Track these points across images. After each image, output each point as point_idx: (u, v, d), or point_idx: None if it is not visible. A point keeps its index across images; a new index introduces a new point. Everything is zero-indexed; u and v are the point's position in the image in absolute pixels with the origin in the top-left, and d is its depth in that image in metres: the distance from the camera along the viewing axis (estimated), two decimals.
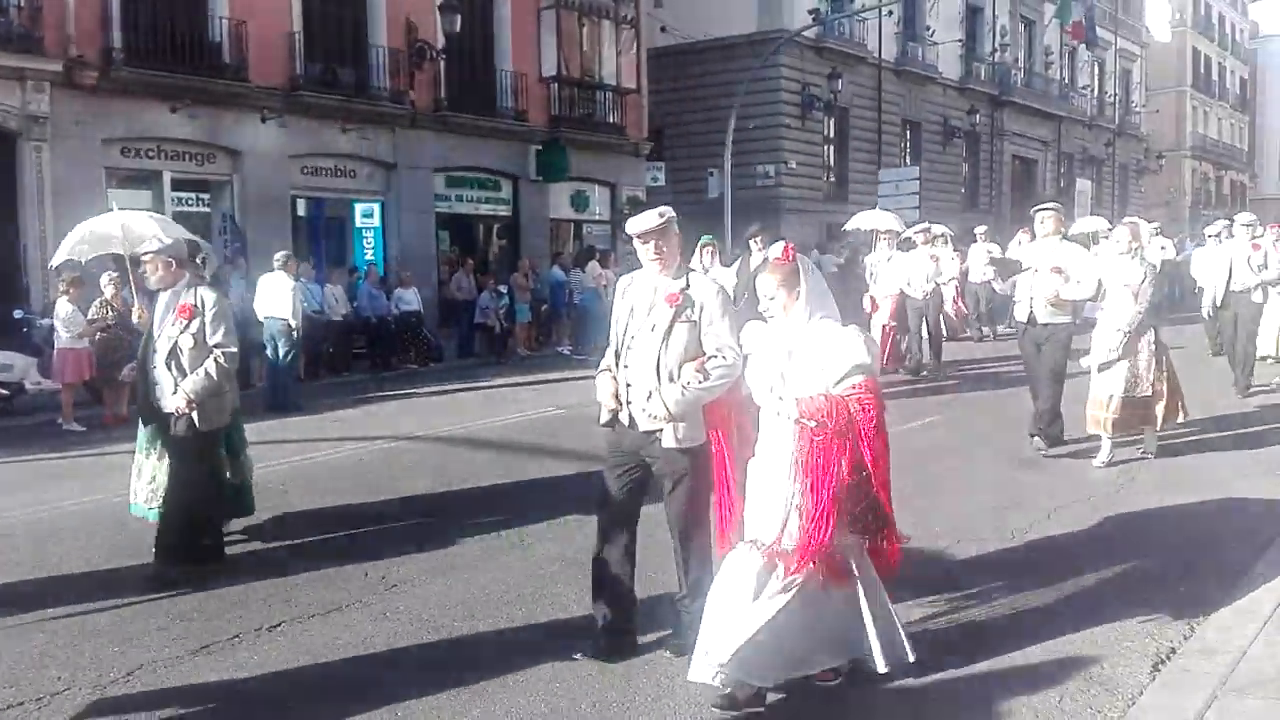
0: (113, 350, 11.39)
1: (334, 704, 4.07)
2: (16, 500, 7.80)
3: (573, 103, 23.06)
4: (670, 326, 4.15)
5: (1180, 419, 7.95)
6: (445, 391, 13.52)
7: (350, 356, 16.49)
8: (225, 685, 4.25)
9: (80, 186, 15.41)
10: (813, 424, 3.61)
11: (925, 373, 13.09)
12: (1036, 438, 8.19)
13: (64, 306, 11.35)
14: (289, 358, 12.68)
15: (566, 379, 13.75)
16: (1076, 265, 7.85)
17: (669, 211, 4.20)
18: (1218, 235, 14.15)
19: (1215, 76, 60.77)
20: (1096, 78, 45.87)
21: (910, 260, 13.57)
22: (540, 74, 22.29)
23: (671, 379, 4.11)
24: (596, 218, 24.80)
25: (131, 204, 16.70)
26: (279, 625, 4.91)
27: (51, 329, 11.84)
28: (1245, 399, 10.57)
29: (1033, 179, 41.18)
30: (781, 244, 3.90)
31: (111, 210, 9.73)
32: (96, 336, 11.47)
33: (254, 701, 4.13)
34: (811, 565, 3.68)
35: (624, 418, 4.25)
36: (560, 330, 19.47)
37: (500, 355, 17.45)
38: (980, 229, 17.97)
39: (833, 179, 30.73)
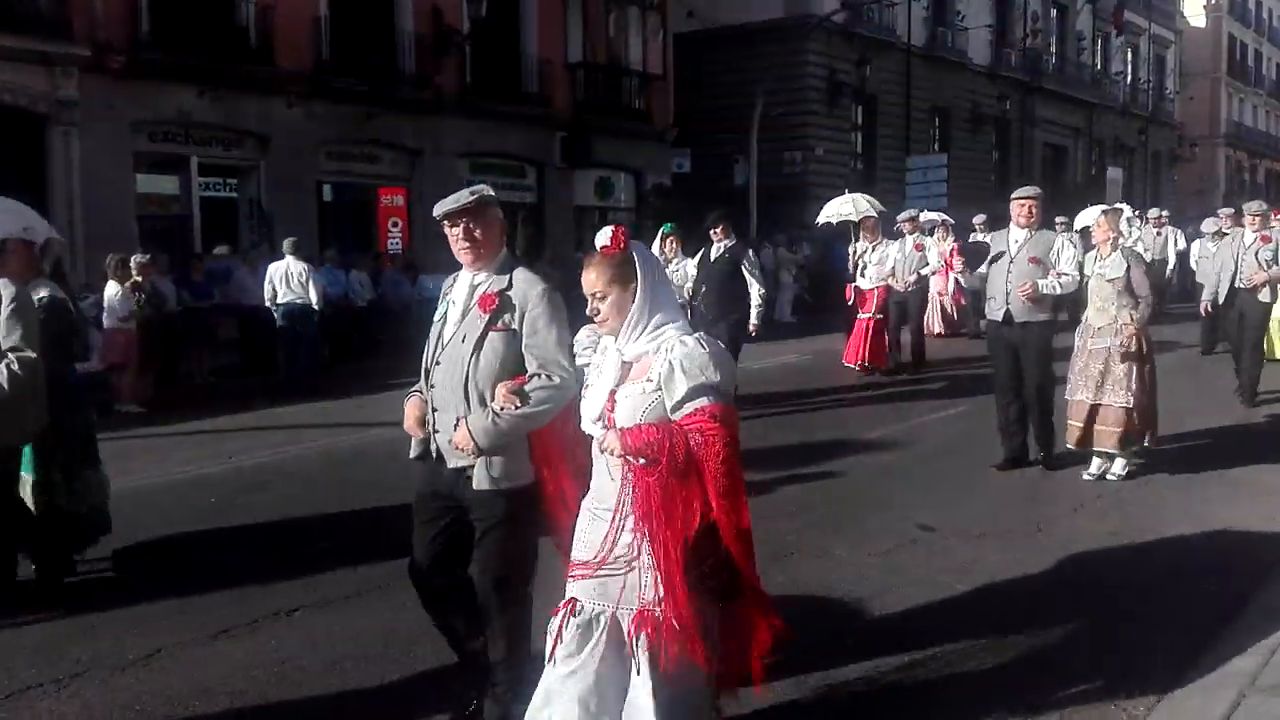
0: (148, 333, 11.51)
1: (352, 690, 4.07)
2: None
3: (598, 89, 23.00)
4: (483, 336, 3.37)
5: (1147, 443, 6.95)
6: None
7: (375, 342, 16.52)
8: (244, 669, 4.25)
9: (108, 171, 15.56)
10: (642, 461, 2.85)
11: (904, 374, 12.30)
12: (1002, 465, 7.27)
13: (113, 289, 11.34)
14: (310, 340, 12.89)
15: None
16: (1058, 257, 7.04)
17: (484, 189, 3.47)
18: (1216, 232, 12.61)
19: (1251, 63, 59.76)
20: (1130, 64, 45.25)
21: (894, 250, 12.67)
22: (566, 60, 22.24)
23: (483, 402, 3.34)
24: (622, 205, 24.76)
25: (159, 189, 16.98)
26: (297, 610, 4.91)
27: (98, 311, 11.85)
28: (1253, 408, 9.62)
29: (1064, 167, 40.70)
30: (610, 230, 3.03)
31: None
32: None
33: (272, 685, 4.13)
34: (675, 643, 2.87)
35: (435, 451, 3.49)
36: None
37: None
38: (979, 218, 16.58)
39: (861, 166, 30.49)
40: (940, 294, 15.65)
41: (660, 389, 2.88)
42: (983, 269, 7.44)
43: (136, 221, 16.14)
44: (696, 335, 2.93)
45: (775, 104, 25.69)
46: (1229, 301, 10.10)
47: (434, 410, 3.47)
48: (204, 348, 13.81)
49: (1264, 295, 9.78)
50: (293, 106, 17.72)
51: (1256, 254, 9.75)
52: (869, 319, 12.34)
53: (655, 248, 9.86)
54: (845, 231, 15.57)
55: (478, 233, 3.41)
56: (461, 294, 3.50)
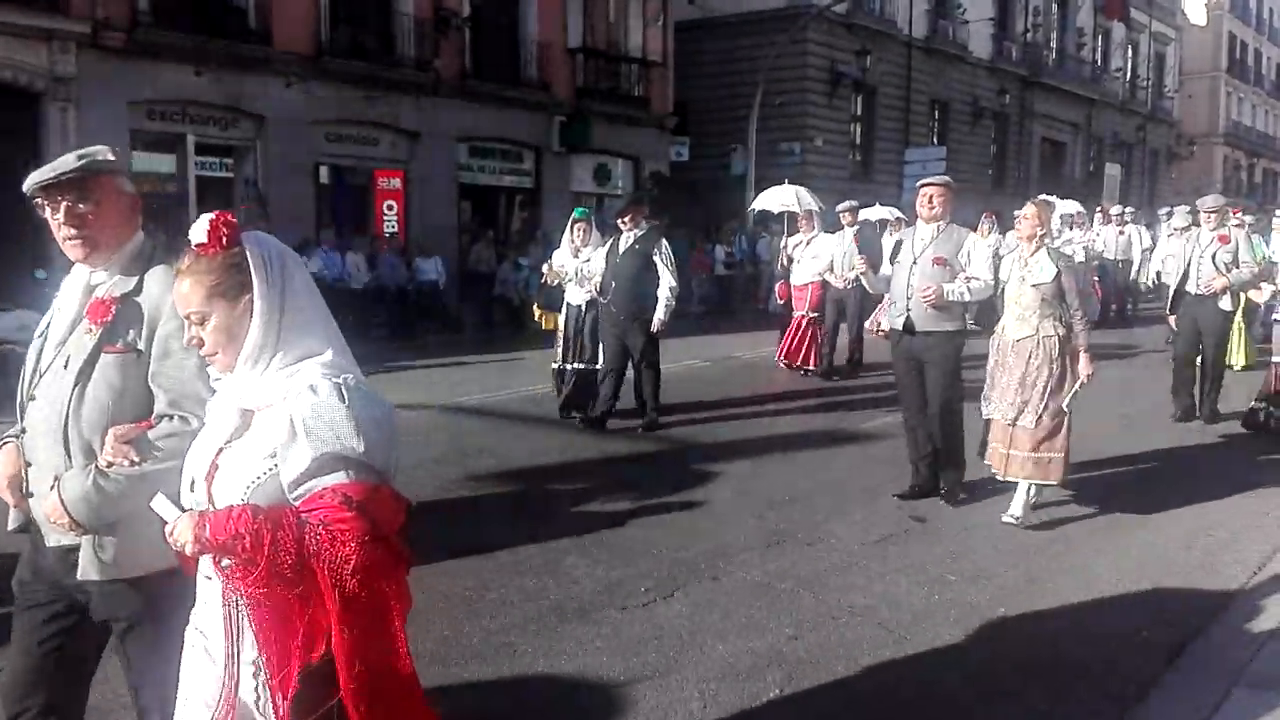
0: None
1: None
2: None
3: (598, 75, 22.95)
4: (91, 360, 2.37)
5: (1053, 477, 5.86)
6: (463, 362, 13.53)
7: (370, 325, 16.54)
8: None
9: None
10: (226, 563, 1.87)
11: (837, 377, 11.47)
12: (908, 493, 6.38)
13: None
14: None
15: None
16: (969, 256, 6.14)
17: (98, 151, 2.43)
18: (1187, 227, 11.20)
19: (1251, 62, 59.76)
20: (1129, 61, 45.23)
21: (832, 244, 11.59)
22: (566, 45, 22.17)
23: (92, 455, 2.34)
24: (619, 192, 24.72)
25: (156, 168, 16.92)
26: None
27: None
28: (1211, 425, 8.75)
29: (1062, 162, 40.71)
30: (208, 220, 2.03)
31: None
32: None
33: None
34: None
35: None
36: None
37: (520, 326, 17.47)
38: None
39: (859, 158, 30.48)
40: None
41: (277, 455, 1.92)
42: (885, 269, 6.56)
43: None
44: (340, 379, 1.96)
45: (775, 93, 25.66)
46: (1176, 308, 8.95)
47: (27, 465, 2.44)
48: None
49: (1224, 303, 8.68)
50: (291, 87, 17.66)
51: (1214, 257, 8.61)
52: (802, 316, 11.72)
53: (565, 236, 9.07)
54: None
55: (89, 214, 2.40)
56: (72, 300, 2.47)
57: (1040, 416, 5.74)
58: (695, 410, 9.45)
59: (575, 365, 8.88)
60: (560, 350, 9.00)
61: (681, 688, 3.84)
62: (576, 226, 8.97)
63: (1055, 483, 5.90)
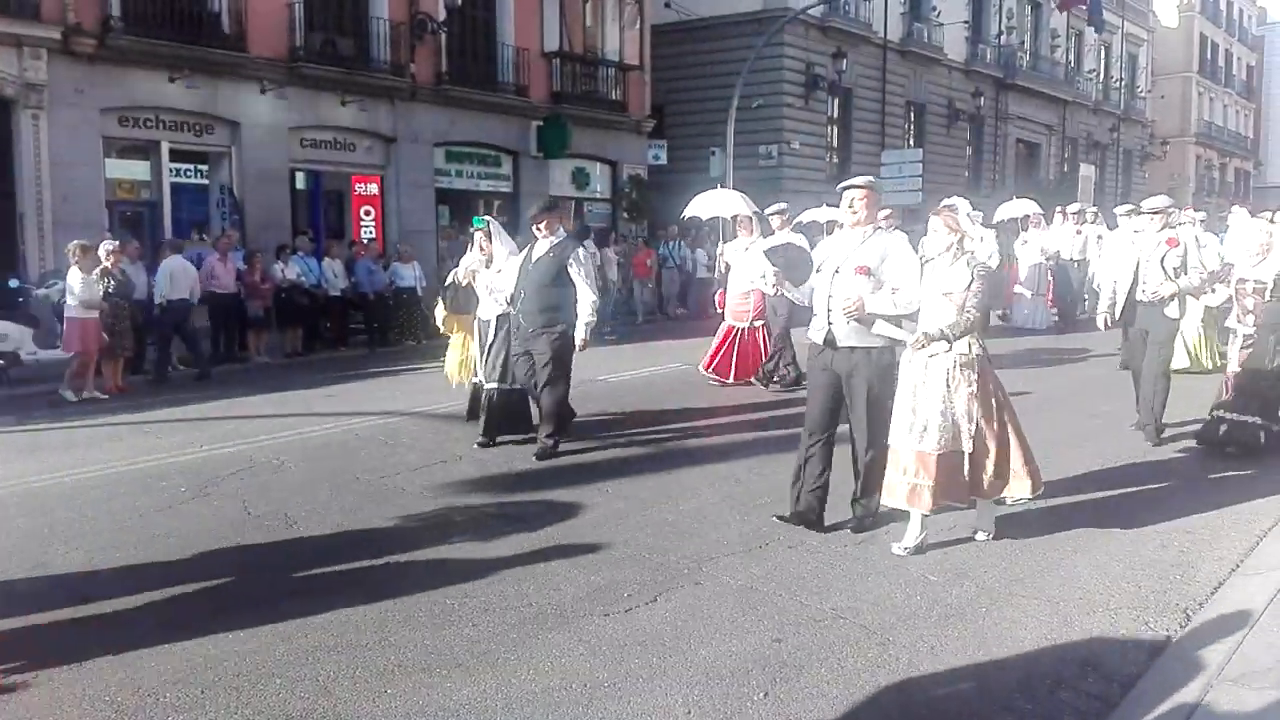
0: (116, 320, 11.41)
1: (325, 679, 4.04)
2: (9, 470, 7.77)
3: (575, 79, 22.98)
4: None
5: (1025, 493, 5.45)
6: (441, 368, 13.43)
7: (348, 332, 16.44)
8: (214, 660, 4.21)
9: (78, 155, 15.37)
10: None
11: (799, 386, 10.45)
12: (789, 518, 5.84)
13: (76, 275, 11.18)
14: (194, 332, 13.42)
15: None
16: (894, 266, 5.52)
17: None
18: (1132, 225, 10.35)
19: (1222, 63, 60.50)
20: (1102, 62, 45.67)
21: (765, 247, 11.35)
22: (542, 49, 22.19)
23: None
24: (597, 195, 24.75)
25: (129, 174, 16.80)
26: (268, 600, 4.87)
27: (60, 298, 11.77)
28: (1157, 446, 7.97)
29: (1036, 163, 41.05)
30: None
31: None
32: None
33: (244, 676, 4.09)
34: None
35: None
36: None
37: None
38: (883, 213, 14.34)
39: (836, 160, 30.60)
40: None
41: None
42: (810, 282, 5.82)
43: (106, 207, 15.97)
44: None
45: (751, 96, 25.75)
46: (1128, 316, 8.27)
47: None
48: (174, 335, 13.69)
49: (1171, 310, 7.96)
50: (266, 93, 17.56)
51: (1163, 260, 7.92)
52: (746, 326, 11.16)
53: (475, 246, 8.45)
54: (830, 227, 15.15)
55: None
56: None
57: (974, 438, 5.30)
58: (676, 416, 9.44)
59: (494, 385, 8.21)
60: (481, 366, 8.41)
61: (666, 693, 3.82)
62: (476, 236, 8.40)
63: (1029, 496, 5.47)
